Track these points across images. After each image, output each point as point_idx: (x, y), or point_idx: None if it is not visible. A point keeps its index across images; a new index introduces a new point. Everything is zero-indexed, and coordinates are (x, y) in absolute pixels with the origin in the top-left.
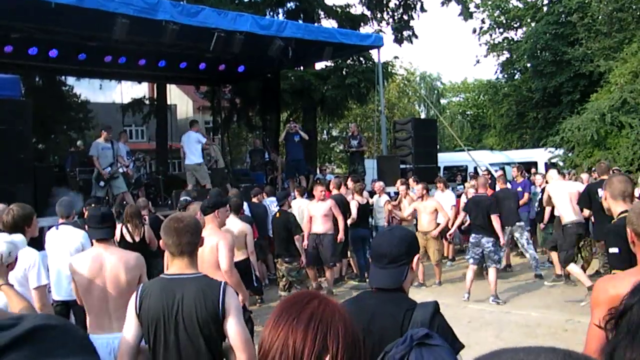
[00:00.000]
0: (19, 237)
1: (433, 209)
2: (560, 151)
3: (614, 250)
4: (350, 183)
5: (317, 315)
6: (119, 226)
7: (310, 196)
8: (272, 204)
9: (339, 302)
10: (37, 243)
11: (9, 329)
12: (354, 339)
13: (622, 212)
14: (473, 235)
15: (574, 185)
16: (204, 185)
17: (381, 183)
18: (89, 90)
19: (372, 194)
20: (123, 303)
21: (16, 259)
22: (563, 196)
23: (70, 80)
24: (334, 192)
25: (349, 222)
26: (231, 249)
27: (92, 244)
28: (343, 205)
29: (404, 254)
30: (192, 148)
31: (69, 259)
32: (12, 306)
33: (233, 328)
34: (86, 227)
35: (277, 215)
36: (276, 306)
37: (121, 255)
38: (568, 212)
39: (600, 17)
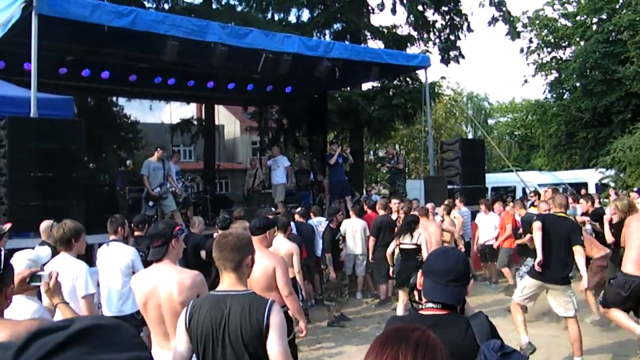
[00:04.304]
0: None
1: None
2: (612, 172)
3: None
4: (396, 203)
5: (423, 342)
6: None
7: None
8: (319, 225)
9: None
10: (87, 260)
11: (64, 329)
12: None
13: None
14: None
15: None
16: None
17: (432, 204)
18: (139, 110)
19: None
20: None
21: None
22: None
23: (121, 101)
24: (381, 212)
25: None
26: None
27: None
28: (389, 225)
29: (466, 275)
30: (284, 170)
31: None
32: None
33: (274, 346)
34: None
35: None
36: (377, 337)
37: (176, 275)
38: None
39: None
